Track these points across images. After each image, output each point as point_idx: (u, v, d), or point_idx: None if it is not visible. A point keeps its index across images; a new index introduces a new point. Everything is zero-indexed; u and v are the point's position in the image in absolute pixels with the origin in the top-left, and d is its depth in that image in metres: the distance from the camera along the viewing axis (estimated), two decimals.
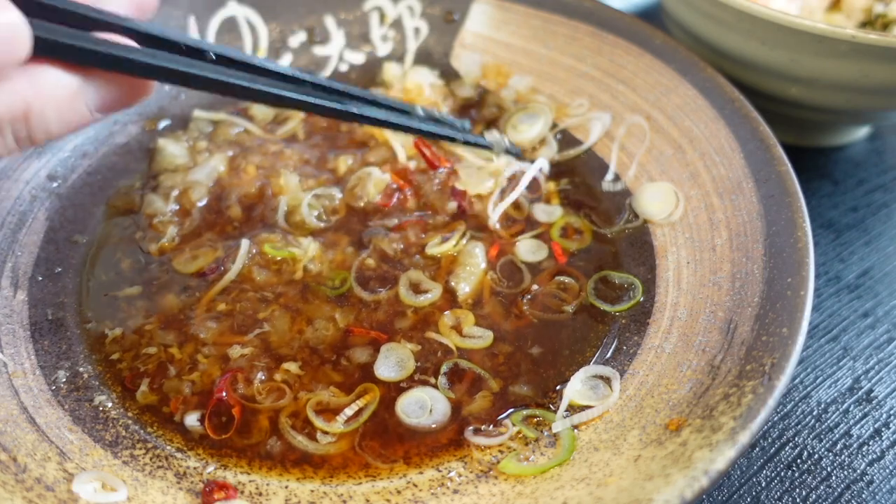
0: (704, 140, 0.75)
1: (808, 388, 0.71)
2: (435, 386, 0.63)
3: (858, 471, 0.65)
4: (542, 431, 0.59)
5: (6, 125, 0.44)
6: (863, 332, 0.76)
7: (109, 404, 0.62)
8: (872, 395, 0.71)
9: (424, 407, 0.61)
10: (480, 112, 0.90)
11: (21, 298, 0.68)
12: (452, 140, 0.72)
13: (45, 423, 0.59)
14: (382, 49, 0.97)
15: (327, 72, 0.96)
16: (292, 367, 0.64)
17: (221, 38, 0.93)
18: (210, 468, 0.58)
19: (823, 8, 0.94)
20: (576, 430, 0.59)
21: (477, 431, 0.60)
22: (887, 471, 0.65)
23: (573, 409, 0.60)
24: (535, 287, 0.71)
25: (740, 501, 0.63)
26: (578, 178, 0.82)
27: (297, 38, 0.96)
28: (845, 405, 0.70)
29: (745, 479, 0.64)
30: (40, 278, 0.71)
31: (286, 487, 0.56)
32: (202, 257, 0.73)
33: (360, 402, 0.61)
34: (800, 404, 0.70)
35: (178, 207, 0.78)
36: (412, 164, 0.82)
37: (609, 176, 0.81)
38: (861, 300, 0.80)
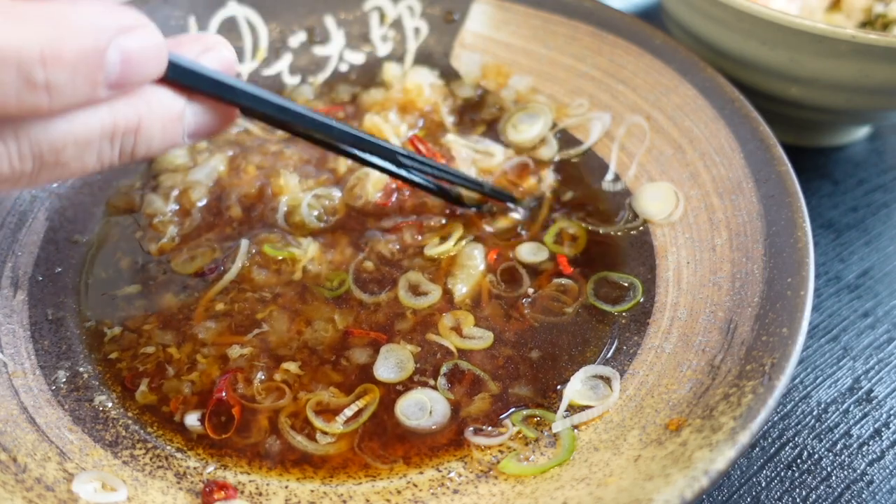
0: (704, 140, 0.75)
1: (808, 388, 0.71)
2: (434, 387, 0.63)
3: (858, 471, 0.65)
4: (542, 431, 0.59)
5: (119, 137, 0.45)
6: (863, 332, 0.76)
7: (109, 404, 0.62)
8: (872, 395, 0.71)
9: (424, 408, 0.61)
10: (480, 113, 0.90)
11: (21, 298, 0.68)
12: (479, 188, 0.77)
13: (45, 423, 0.59)
14: (382, 49, 0.97)
15: (327, 72, 0.96)
16: (292, 367, 0.64)
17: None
18: (210, 468, 0.58)
19: (823, 8, 0.94)
20: (576, 430, 0.59)
21: (477, 431, 0.60)
22: (887, 471, 0.65)
23: (573, 409, 0.60)
24: (533, 290, 0.71)
25: (740, 501, 0.63)
26: (577, 178, 0.82)
27: (297, 38, 0.96)
28: (845, 405, 0.70)
29: (745, 479, 0.64)
30: (40, 278, 0.71)
31: (286, 487, 0.56)
32: (200, 258, 0.73)
33: (359, 403, 0.61)
34: (800, 404, 0.70)
35: (177, 207, 0.78)
36: None
37: (609, 176, 0.81)
38: (861, 300, 0.80)
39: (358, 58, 0.97)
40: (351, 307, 0.69)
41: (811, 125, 0.95)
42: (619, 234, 0.76)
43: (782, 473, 0.65)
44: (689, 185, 0.74)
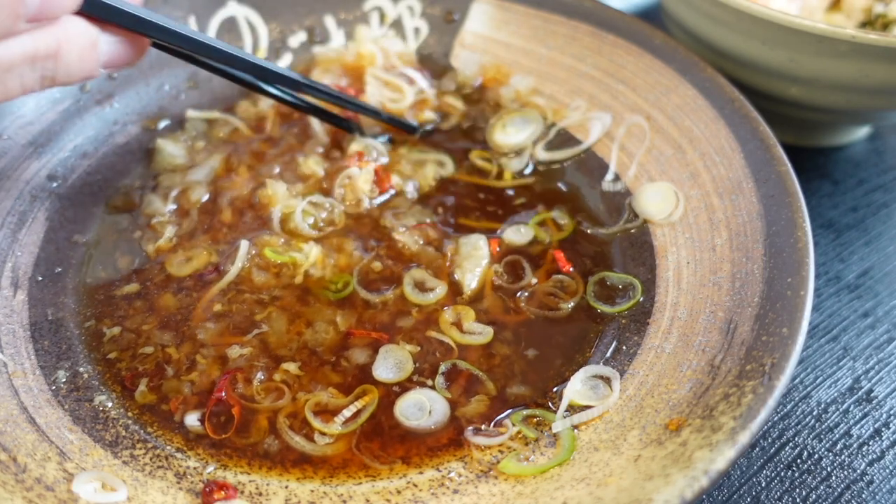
0: (704, 140, 0.75)
1: (808, 388, 0.71)
2: (433, 387, 0.63)
3: (858, 471, 0.65)
4: (542, 431, 0.59)
5: (39, 62, 0.50)
6: (863, 332, 0.76)
7: (109, 404, 0.62)
8: (872, 395, 0.71)
9: (423, 409, 0.61)
10: (480, 110, 0.90)
11: (21, 298, 0.68)
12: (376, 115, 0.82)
13: (45, 423, 0.59)
14: None
15: None
16: (291, 367, 0.64)
17: (221, 38, 0.93)
18: (210, 468, 0.58)
19: (823, 8, 0.94)
20: (576, 430, 0.59)
21: (477, 431, 0.60)
22: (887, 471, 0.65)
23: (573, 409, 0.60)
24: (534, 281, 0.71)
25: (740, 501, 0.63)
26: (571, 178, 0.82)
27: (297, 38, 0.96)
28: (845, 405, 0.70)
29: (745, 479, 0.64)
30: (40, 278, 0.71)
31: (286, 487, 0.56)
32: (196, 259, 0.73)
33: (358, 404, 0.61)
34: (800, 404, 0.70)
35: (176, 207, 0.78)
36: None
37: (609, 176, 0.81)
38: (861, 300, 0.80)
39: None
40: (354, 308, 0.69)
41: (811, 125, 0.95)
42: (619, 233, 0.76)
43: (782, 473, 0.65)
44: (689, 185, 0.74)
